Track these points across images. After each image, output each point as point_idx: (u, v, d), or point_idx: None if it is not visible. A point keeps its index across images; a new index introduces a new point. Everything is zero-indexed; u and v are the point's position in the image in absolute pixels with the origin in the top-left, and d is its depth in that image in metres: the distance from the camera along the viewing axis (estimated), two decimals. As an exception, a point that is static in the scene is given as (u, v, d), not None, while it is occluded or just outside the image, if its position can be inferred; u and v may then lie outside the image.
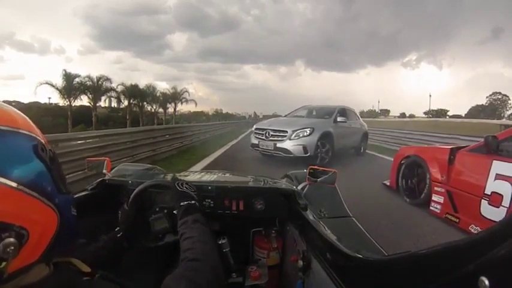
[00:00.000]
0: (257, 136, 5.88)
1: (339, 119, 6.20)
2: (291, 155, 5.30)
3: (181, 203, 0.72)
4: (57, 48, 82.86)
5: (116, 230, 0.81)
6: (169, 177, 1.30)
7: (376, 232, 2.42)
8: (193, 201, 0.73)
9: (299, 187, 1.14)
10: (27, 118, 0.44)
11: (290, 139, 5.37)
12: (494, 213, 2.24)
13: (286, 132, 5.45)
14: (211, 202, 0.99)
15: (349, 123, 6.63)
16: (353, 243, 0.64)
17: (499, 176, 2.28)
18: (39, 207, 0.38)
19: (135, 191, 0.88)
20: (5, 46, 63.63)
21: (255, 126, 6.25)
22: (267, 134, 5.67)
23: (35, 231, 0.37)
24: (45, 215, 0.39)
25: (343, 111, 6.63)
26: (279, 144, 5.41)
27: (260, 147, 5.73)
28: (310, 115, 6.76)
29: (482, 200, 2.35)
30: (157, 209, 0.90)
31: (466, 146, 2.90)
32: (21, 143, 0.39)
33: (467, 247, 0.31)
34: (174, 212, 0.77)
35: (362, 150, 7.56)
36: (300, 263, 0.81)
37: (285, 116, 7.22)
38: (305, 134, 5.38)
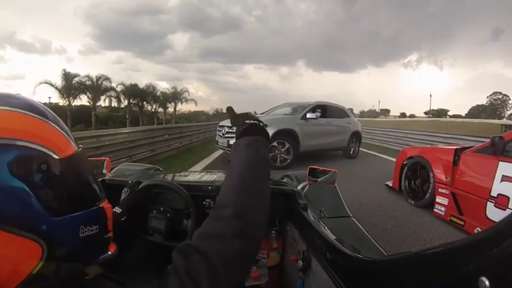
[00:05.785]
0: (218, 133, 5.81)
1: (309, 115, 5.63)
2: None
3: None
4: (58, 49, 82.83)
5: (119, 212, 0.82)
6: (169, 177, 1.31)
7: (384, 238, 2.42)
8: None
9: (299, 187, 1.14)
10: (27, 116, 0.36)
11: None
12: (500, 216, 2.13)
13: None
14: (211, 202, 0.99)
15: (329, 121, 6.08)
16: (353, 243, 0.64)
17: (505, 178, 2.24)
18: (8, 239, 0.31)
19: (151, 182, 0.92)
20: (5, 46, 63.73)
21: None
22: (223, 131, 5.54)
23: (2, 267, 0.31)
24: (18, 248, 0.32)
25: (322, 108, 6.04)
26: (231, 141, 5.15)
27: (219, 144, 5.66)
28: (287, 112, 6.19)
29: (488, 202, 2.31)
30: (161, 209, 0.91)
31: (471, 147, 2.86)
32: None
33: (467, 247, 0.31)
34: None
35: (352, 152, 6.82)
36: (300, 263, 0.81)
37: (262, 113, 6.57)
38: None
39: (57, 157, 0.37)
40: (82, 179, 0.43)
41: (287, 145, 5.18)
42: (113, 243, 0.46)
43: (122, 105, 29.19)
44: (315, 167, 1.18)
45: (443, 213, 2.82)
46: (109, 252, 0.44)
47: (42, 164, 0.35)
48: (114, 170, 1.46)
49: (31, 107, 0.38)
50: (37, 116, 0.38)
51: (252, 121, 0.58)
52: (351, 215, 1.15)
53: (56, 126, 0.40)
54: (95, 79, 23.70)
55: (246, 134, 0.56)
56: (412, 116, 51.14)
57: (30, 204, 0.33)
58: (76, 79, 22.91)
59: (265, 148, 0.55)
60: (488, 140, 2.49)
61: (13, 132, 0.34)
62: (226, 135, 5.45)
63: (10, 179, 0.32)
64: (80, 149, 0.43)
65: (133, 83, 28.19)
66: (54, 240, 0.35)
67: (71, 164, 0.39)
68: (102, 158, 1.21)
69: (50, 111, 0.41)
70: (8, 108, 0.36)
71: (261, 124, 0.59)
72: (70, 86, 22.52)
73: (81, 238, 0.39)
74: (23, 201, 0.33)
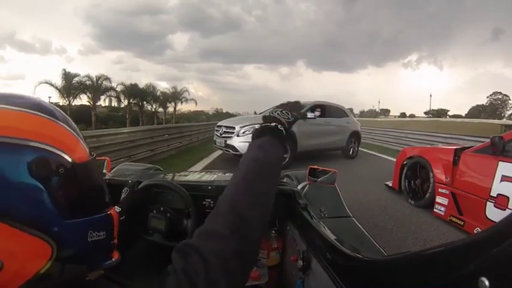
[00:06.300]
0: (215, 133, 5.82)
1: (307, 115, 5.65)
2: (238, 153, 5.00)
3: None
4: (58, 48, 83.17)
5: (118, 211, 0.82)
6: (169, 177, 1.31)
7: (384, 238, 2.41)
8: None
9: (299, 187, 1.14)
10: (49, 120, 0.37)
11: (238, 136, 5.16)
12: (500, 216, 2.14)
13: (234, 128, 5.27)
14: (211, 202, 0.99)
15: (327, 121, 6.10)
16: (353, 243, 0.64)
17: (505, 178, 2.25)
18: (20, 237, 0.31)
19: (151, 182, 0.92)
20: (5, 46, 63.79)
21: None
22: (221, 131, 5.57)
23: (11, 264, 0.31)
24: (28, 247, 0.32)
25: (320, 107, 5.99)
26: (228, 141, 5.26)
27: (217, 144, 5.68)
28: None
29: (488, 202, 2.32)
30: (161, 209, 0.91)
31: (471, 147, 2.86)
32: (5, 158, 0.32)
33: (467, 247, 0.31)
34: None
35: (352, 153, 6.83)
36: (300, 262, 0.81)
37: (260, 113, 6.34)
38: (253, 130, 4.93)
39: (71, 160, 0.38)
40: (95, 185, 0.44)
41: None
42: (116, 250, 0.47)
43: (122, 105, 29.25)
44: (315, 167, 1.17)
45: (443, 213, 2.82)
46: (113, 259, 0.45)
47: (59, 167, 0.36)
48: (114, 169, 1.46)
49: (40, 107, 0.38)
50: (47, 116, 0.38)
51: (265, 123, 0.58)
52: (351, 215, 1.15)
53: (66, 126, 0.40)
54: (94, 79, 23.74)
55: (258, 136, 0.56)
56: (412, 116, 51.20)
57: (45, 205, 0.34)
58: (76, 79, 22.96)
59: (276, 150, 0.53)
60: (488, 140, 2.50)
61: (28, 133, 0.34)
62: (223, 135, 5.46)
63: (28, 178, 0.33)
64: (94, 155, 0.44)
65: (133, 83, 28.26)
66: (64, 242, 0.35)
67: (86, 169, 0.41)
68: (102, 157, 1.21)
69: (60, 110, 0.42)
70: (17, 108, 0.36)
71: (278, 126, 0.57)
72: (70, 85, 22.52)
73: (89, 242, 0.39)
74: (38, 202, 0.34)
